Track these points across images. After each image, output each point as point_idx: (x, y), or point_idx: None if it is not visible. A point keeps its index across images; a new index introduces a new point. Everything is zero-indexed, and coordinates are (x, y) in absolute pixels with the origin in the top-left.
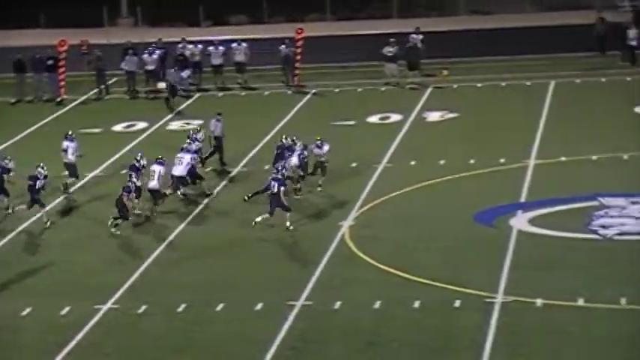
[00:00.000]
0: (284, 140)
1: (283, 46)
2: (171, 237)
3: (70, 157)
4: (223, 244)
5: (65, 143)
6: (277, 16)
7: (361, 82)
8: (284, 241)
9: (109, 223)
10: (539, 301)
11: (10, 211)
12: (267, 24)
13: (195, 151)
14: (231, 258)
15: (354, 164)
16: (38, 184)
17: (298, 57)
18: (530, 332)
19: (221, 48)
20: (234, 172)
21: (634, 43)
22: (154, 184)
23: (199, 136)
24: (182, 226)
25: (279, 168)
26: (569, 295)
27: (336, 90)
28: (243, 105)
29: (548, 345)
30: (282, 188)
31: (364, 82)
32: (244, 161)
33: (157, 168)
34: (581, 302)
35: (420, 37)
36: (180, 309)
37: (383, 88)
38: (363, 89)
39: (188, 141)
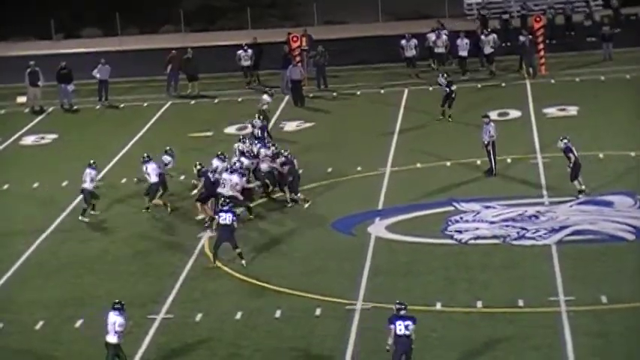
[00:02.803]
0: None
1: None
2: (27, 253)
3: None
4: (81, 259)
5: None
6: (130, 28)
7: (219, 92)
8: (143, 255)
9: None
10: None
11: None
12: (121, 36)
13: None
14: (89, 273)
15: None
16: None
17: None
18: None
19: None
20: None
21: (464, 53)
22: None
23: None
24: (37, 242)
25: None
26: (427, 300)
27: (192, 102)
28: (100, 118)
29: None
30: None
31: (222, 93)
32: (100, 175)
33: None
34: (439, 307)
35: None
36: (38, 326)
37: (240, 99)
38: (219, 100)
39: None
